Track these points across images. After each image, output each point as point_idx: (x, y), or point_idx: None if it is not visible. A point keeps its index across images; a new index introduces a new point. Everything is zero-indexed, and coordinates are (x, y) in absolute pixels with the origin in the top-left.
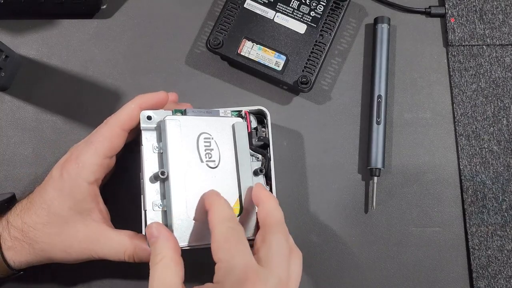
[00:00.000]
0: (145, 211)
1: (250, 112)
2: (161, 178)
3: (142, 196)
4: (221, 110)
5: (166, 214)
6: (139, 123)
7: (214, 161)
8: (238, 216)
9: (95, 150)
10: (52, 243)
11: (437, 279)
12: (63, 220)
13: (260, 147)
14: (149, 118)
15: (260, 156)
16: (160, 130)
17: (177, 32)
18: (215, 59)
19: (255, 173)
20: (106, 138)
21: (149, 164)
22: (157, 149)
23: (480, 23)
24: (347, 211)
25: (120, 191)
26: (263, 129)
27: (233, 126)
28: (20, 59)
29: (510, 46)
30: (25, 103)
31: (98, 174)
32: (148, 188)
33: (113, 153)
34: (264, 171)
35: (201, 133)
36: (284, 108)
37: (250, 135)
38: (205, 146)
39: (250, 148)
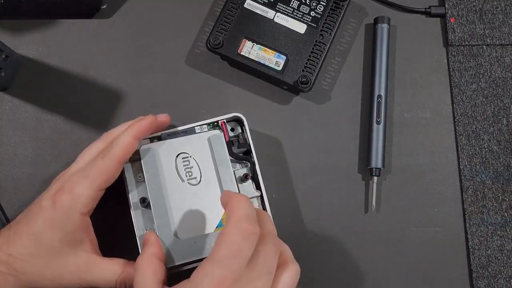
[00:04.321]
0: (138, 237)
1: (228, 121)
2: (144, 204)
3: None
4: (197, 127)
5: None
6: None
7: (195, 178)
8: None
9: (91, 183)
10: (41, 274)
11: (437, 279)
12: (53, 251)
13: (244, 153)
14: None
15: (246, 162)
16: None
17: (177, 32)
18: (215, 59)
19: (242, 179)
20: (103, 172)
21: (134, 193)
22: (140, 177)
23: (480, 23)
24: (347, 211)
25: (111, 219)
26: (245, 134)
27: (209, 140)
28: (20, 59)
29: (510, 46)
30: (25, 103)
31: (91, 206)
32: (136, 216)
33: (108, 185)
34: (249, 176)
35: (179, 153)
36: (284, 108)
37: (229, 144)
38: (184, 165)
39: (232, 156)
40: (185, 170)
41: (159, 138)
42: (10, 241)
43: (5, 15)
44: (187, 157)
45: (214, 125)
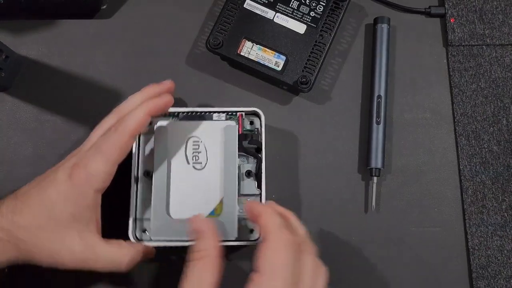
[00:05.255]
0: (135, 206)
1: (246, 114)
2: (147, 177)
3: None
4: (215, 114)
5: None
6: None
7: (200, 163)
8: (218, 216)
9: (106, 158)
10: (42, 247)
11: (437, 279)
12: (60, 226)
13: (255, 150)
14: (149, 123)
15: (252, 158)
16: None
17: (177, 33)
18: (215, 59)
19: (245, 175)
20: (116, 146)
21: (142, 164)
22: (150, 152)
23: (480, 23)
24: (347, 211)
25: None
26: (258, 129)
27: (222, 129)
28: (20, 59)
29: (509, 46)
30: (25, 103)
31: (106, 182)
32: (139, 186)
33: (121, 160)
34: (252, 173)
35: (191, 136)
36: (284, 108)
37: (241, 137)
38: (193, 149)
39: (242, 150)
40: (193, 154)
41: (177, 116)
42: (16, 209)
43: (5, 15)
44: (198, 141)
45: (233, 115)
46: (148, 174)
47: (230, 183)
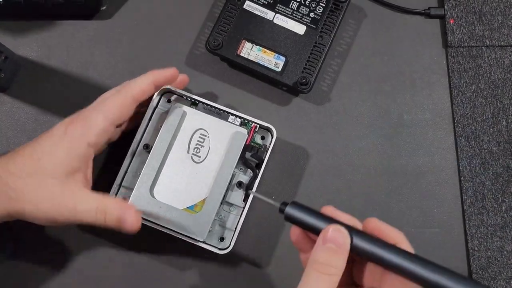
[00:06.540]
0: (124, 172)
1: (261, 127)
2: (145, 150)
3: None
4: (232, 116)
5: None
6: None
7: (199, 156)
8: (196, 212)
9: (105, 115)
10: (28, 195)
11: None
12: (46, 173)
13: (256, 164)
14: (169, 101)
15: (249, 171)
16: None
17: (176, 33)
18: (215, 60)
19: (237, 185)
20: (117, 106)
21: (146, 135)
22: (160, 127)
23: (480, 25)
24: (347, 211)
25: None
26: (266, 146)
27: (232, 133)
28: (20, 60)
29: (509, 47)
30: (24, 104)
31: (101, 138)
32: (135, 156)
33: (120, 121)
34: (243, 185)
35: (200, 128)
36: (284, 109)
37: (247, 147)
38: (198, 141)
39: (242, 160)
40: (195, 145)
41: (196, 105)
42: (10, 158)
43: (5, 15)
44: (205, 136)
45: (247, 123)
46: (147, 148)
47: (219, 186)
